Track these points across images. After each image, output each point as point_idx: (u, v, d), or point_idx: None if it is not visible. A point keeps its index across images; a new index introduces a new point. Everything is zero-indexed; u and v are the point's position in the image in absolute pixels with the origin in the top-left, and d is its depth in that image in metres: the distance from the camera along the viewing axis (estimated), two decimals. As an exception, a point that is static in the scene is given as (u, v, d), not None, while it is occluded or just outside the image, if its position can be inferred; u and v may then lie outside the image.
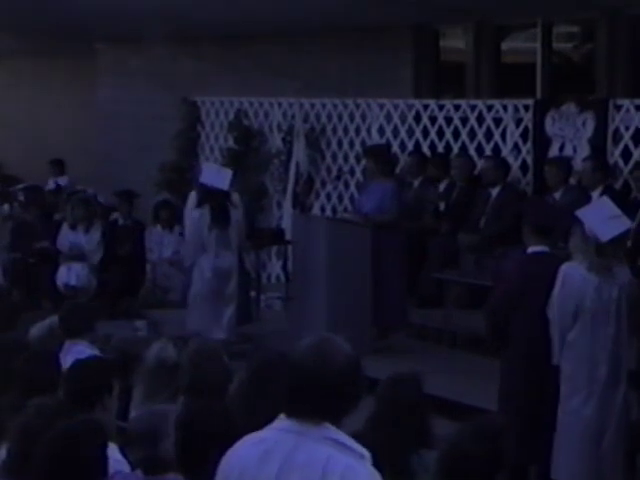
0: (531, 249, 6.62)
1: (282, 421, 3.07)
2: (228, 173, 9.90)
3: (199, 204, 9.88)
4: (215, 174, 9.99)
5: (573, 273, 6.27)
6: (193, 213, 9.95)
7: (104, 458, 3.40)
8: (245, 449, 3.11)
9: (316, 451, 2.98)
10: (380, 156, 9.99)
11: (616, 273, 6.30)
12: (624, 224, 6.45)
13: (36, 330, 5.82)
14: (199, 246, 9.90)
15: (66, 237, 11.90)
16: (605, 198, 7.15)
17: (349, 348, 3.08)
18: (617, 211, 6.49)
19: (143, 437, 4.05)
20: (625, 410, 6.36)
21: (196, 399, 4.39)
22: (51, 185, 14.92)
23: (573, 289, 6.25)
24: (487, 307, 6.90)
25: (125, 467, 4.21)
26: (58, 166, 15.39)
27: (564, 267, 6.32)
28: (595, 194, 9.39)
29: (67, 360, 5.05)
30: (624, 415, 6.35)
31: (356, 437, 3.06)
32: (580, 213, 6.43)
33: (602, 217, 6.36)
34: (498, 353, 6.92)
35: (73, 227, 11.93)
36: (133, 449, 4.11)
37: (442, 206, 10.90)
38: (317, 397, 2.99)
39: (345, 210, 11.80)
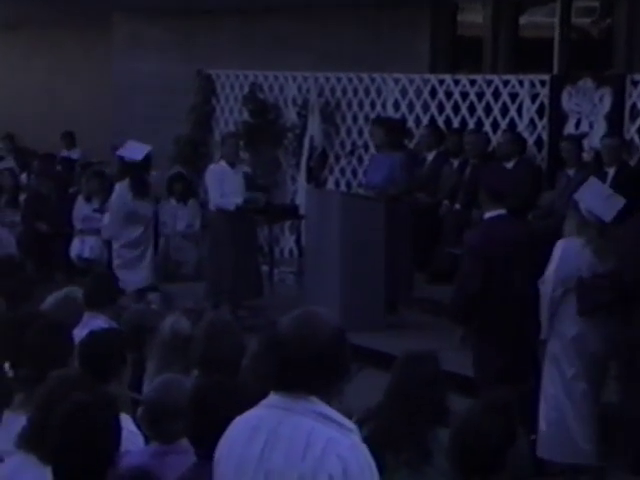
0: (488, 214, 6.80)
1: (270, 397, 3.08)
2: (146, 147, 10.81)
3: (120, 177, 10.72)
4: (133, 148, 10.85)
5: (569, 249, 6.39)
6: (115, 186, 10.71)
7: (117, 430, 3.40)
8: (235, 429, 3.14)
9: (300, 424, 2.98)
10: (389, 126, 9.97)
11: (613, 256, 6.39)
12: (619, 201, 6.57)
13: (52, 299, 5.82)
14: (121, 219, 10.58)
15: (81, 210, 11.91)
16: (594, 178, 7.24)
17: (335, 321, 3.07)
18: (609, 189, 6.76)
19: (157, 407, 4.06)
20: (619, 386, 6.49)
21: (209, 373, 4.39)
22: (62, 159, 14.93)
23: (570, 264, 6.36)
24: (459, 281, 6.95)
25: (139, 439, 4.23)
26: (69, 139, 15.39)
27: (561, 242, 6.45)
28: (611, 171, 9.35)
29: (84, 334, 5.04)
30: (618, 391, 6.50)
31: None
32: (577, 196, 6.54)
33: (600, 198, 6.49)
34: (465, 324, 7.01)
35: (88, 199, 11.95)
36: (147, 419, 4.12)
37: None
38: (303, 370, 2.98)
39: (359, 185, 11.78)
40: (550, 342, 6.48)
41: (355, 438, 3.00)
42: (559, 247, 6.44)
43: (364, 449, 3.00)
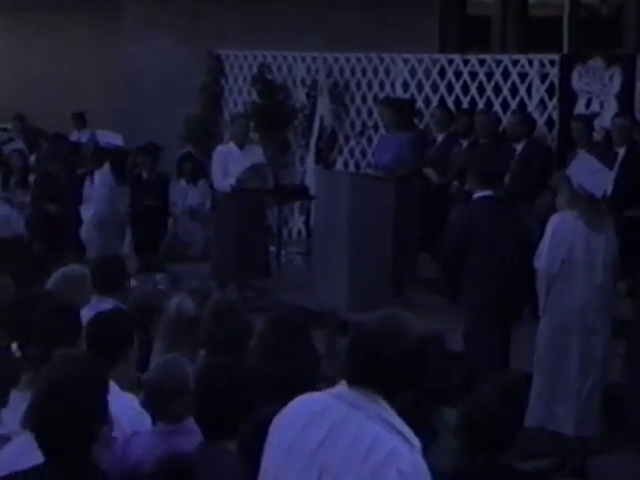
0: (477, 194, 7.06)
1: (339, 387, 3.03)
2: (119, 136, 11.37)
3: (98, 164, 11.11)
4: (108, 136, 11.32)
5: (563, 224, 6.45)
6: (95, 174, 11.11)
7: (100, 406, 3.35)
8: (295, 408, 3.08)
9: (366, 427, 2.93)
10: (397, 106, 9.96)
11: (605, 227, 6.48)
12: (608, 175, 6.76)
13: (55, 278, 5.80)
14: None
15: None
16: (584, 152, 7.28)
17: (420, 329, 3.03)
18: (598, 164, 6.76)
19: (157, 388, 4.07)
20: (606, 359, 6.50)
21: (216, 353, 4.40)
22: (74, 138, 14.92)
23: (563, 238, 6.42)
24: (437, 252, 7.34)
25: (146, 419, 4.24)
26: (79, 119, 15.38)
27: (554, 217, 6.52)
28: (622, 151, 9.31)
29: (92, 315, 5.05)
30: (605, 363, 6.51)
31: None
32: (569, 171, 6.62)
33: (590, 173, 6.54)
34: (454, 297, 7.31)
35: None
36: (149, 401, 4.13)
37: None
38: (383, 369, 2.94)
39: (368, 165, 11.77)
40: (547, 315, 6.53)
41: (418, 456, 2.94)
42: (552, 222, 6.52)
43: (425, 470, 2.94)
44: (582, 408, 6.49)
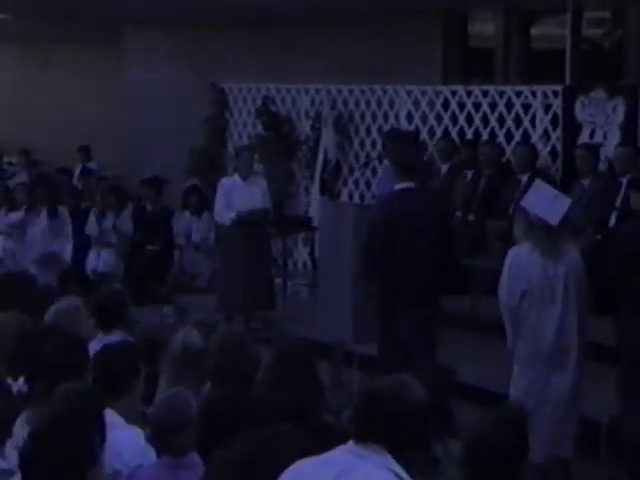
0: (398, 186, 7.40)
1: (347, 445, 3.19)
2: None
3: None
4: None
5: (519, 255, 6.54)
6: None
7: (89, 446, 3.33)
8: (306, 462, 3.20)
9: (372, 473, 3.07)
10: (402, 139, 10.00)
11: (564, 253, 6.52)
12: (565, 201, 6.72)
13: (48, 316, 5.78)
14: None
15: (96, 223, 11.97)
16: (539, 181, 7.35)
17: (425, 395, 3.23)
18: (554, 191, 6.89)
19: (161, 422, 4.07)
20: (578, 380, 6.55)
21: (222, 385, 4.40)
22: (78, 171, 15.02)
23: (520, 270, 6.50)
24: (361, 245, 7.60)
25: (150, 453, 4.24)
26: (85, 152, 15.48)
27: (511, 251, 6.62)
28: (625, 180, 9.34)
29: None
30: (577, 384, 6.56)
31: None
32: (524, 202, 6.69)
33: (545, 201, 6.60)
34: (370, 292, 7.50)
35: (102, 214, 12.00)
36: (153, 435, 4.13)
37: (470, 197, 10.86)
38: (390, 427, 3.12)
39: (373, 197, 11.79)
40: (518, 346, 6.60)
41: None
42: (509, 255, 6.62)
43: None
44: (557, 432, 6.53)
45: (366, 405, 3.18)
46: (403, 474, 3.08)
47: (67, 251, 10.30)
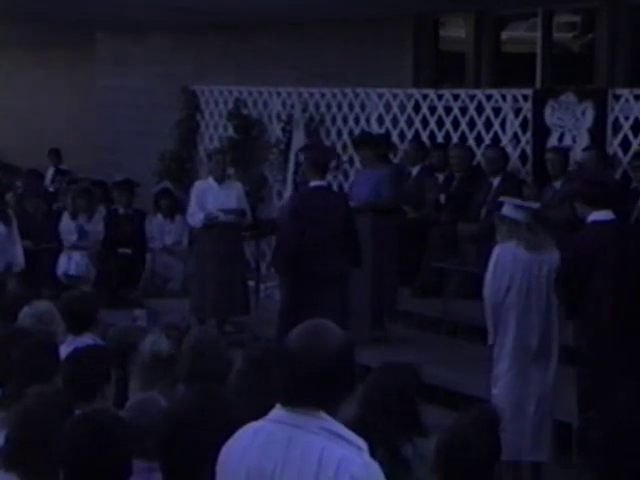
0: (312, 184, 8.15)
1: (277, 411, 3.05)
2: None
3: None
4: None
5: (505, 253, 6.61)
6: None
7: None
8: (242, 441, 3.09)
9: (311, 443, 2.96)
10: (373, 143, 10.03)
11: (547, 250, 6.60)
12: (534, 204, 7.05)
13: (20, 319, 5.75)
14: None
15: (68, 226, 11.91)
16: (505, 198, 7.50)
17: (342, 334, 3.04)
18: (524, 202, 7.24)
19: (136, 426, 4.05)
20: (555, 382, 6.62)
21: (195, 388, 4.39)
22: (50, 174, 14.96)
23: (505, 267, 6.57)
24: (279, 239, 8.48)
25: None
26: (56, 155, 15.41)
27: (496, 249, 6.69)
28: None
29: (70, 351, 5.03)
30: (553, 388, 6.63)
31: (347, 426, 3.05)
32: (503, 209, 6.84)
33: (517, 203, 6.88)
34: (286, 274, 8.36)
35: (74, 217, 11.95)
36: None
37: (442, 198, 10.91)
38: (312, 385, 2.96)
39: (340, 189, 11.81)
40: (502, 343, 6.63)
41: (366, 456, 2.98)
42: (494, 253, 6.69)
43: (376, 467, 2.98)
44: (536, 434, 6.57)
45: (284, 368, 3.00)
46: (337, 427, 2.97)
47: (21, 254, 10.18)
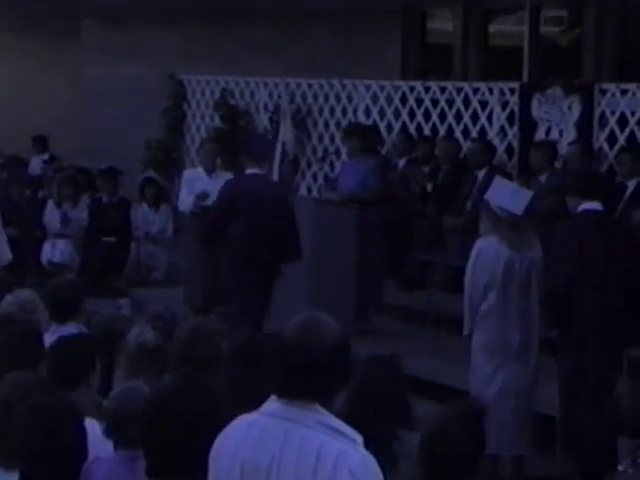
0: (249, 171, 8.38)
1: (272, 403, 3.03)
2: None
3: None
4: None
5: (487, 247, 6.60)
6: None
7: (82, 431, 3.34)
8: (235, 436, 3.07)
9: (308, 438, 2.94)
10: (362, 134, 10.03)
11: (529, 247, 6.60)
12: (527, 193, 6.82)
13: (10, 306, 5.73)
14: None
15: (52, 214, 11.88)
16: (499, 177, 7.44)
17: (338, 326, 3.03)
18: (515, 185, 7.09)
19: (116, 416, 4.04)
20: (536, 376, 6.64)
21: (180, 374, 4.37)
22: (35, 162, 14.89)
23: (486, 262, 6.56)
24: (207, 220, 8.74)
25: (107, 445, 4.21)
26: (41, 143, 15.33)
27: (479, 242, 6.68)
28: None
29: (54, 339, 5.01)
30: (536, 381, 6.65)
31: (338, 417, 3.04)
32: (488, 196, 6.77)
33: (508, 194, 6.69)
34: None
35: (59, 205, 11.91)
36: (109, 428, 4.10)
37: (429, 187, 10.92)
38: (308, 377, 2.94)
39: (326, 179, 11.80)
40: (474, 337, 6.68)
41: (362, 450, 2.97)
42: (476, 246, 6.68)
43: (372, 461, 2.97)
44: (516, 428, 6.59)
45: (279, 360, 2.98)
46: (334, 422, 2.96)
47: (7, 248, 10.08)
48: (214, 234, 8.61)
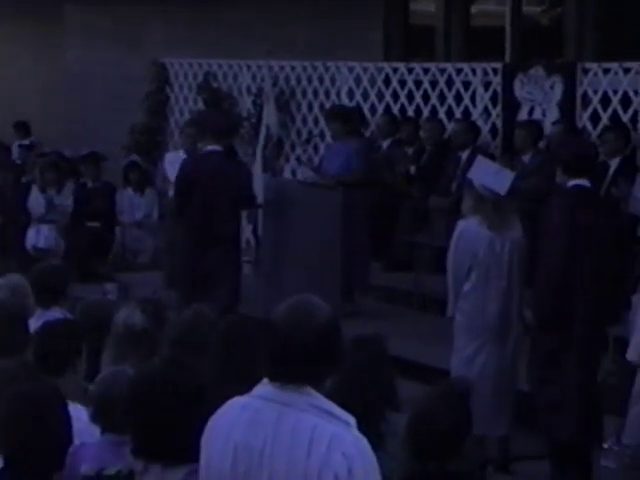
0: (208, 148, 8.51)
1: (264, 387, 3.04)
2: None
3: None
4: None
5: (468, 229, 6.62)
6: None
7: (66, 416, 3.35)
8: (229, 417, 3.07)
9: (301, 421, 2.95)
10: (346, 116, 10.02)
11: (511, 228, 6.61)
12: (509, 174, 6.82)
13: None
14: None
15: (37, 199, 11.84)
16: (481, 157, 7.43)
17: (328, 308, 3.03)
18: (497, 165, 7.10)
19: (103, 400, 4.05)
20: (517, 357, 6.70)
21: (164, 356, 4.38)
22: (16, 148, 14.82)
23: (468, 243, 6.59)
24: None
25: (94, 430, 4.22)
26: (23, 129, 15.26)
27: (460, 223, 6.70)
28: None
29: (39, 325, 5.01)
30: (515, 361, 6.71)
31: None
32: (470, 174, 6.79)
33: (490, 173, 6.71)
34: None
35: (43, 190, 11.88)
36: (95, 413, 4.11)
37: (412, 169, 10.94)
38: (299, 360, 2.94)
39: (309, 160, 11.78)
40: (456, 318, 6.73)
41: (356, 433, 2.98)
42: (458, 227, 6.71)
43: (365, 443, 2.99)
44: (497, 409, 6.63)
45: (271, 344, 2.98)
46: (326, 404, 2.97)
47: None
48: (178, 216, 8.88)
